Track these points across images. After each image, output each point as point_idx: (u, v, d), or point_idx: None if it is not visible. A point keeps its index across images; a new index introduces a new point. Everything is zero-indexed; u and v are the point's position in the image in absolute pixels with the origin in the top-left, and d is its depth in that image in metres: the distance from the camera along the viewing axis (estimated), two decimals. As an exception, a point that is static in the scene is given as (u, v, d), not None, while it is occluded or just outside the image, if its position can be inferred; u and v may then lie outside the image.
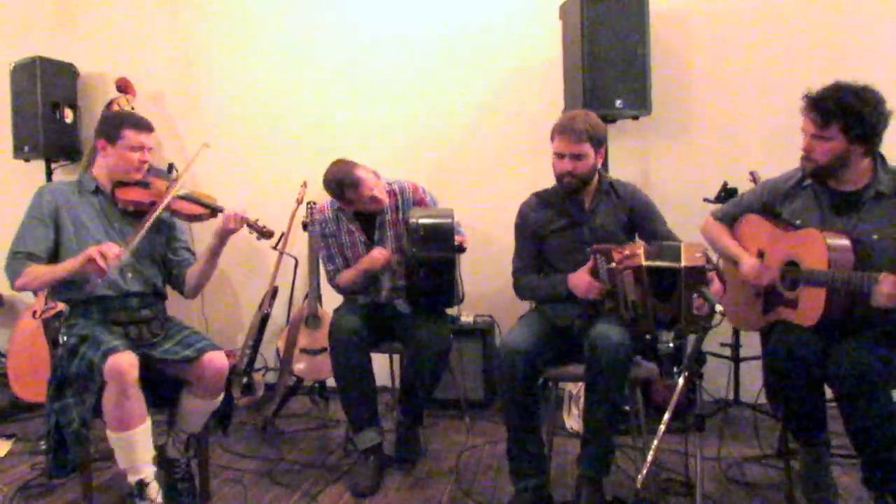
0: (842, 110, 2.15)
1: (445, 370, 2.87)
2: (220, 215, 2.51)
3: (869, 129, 2.16)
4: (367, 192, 2.83)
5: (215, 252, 2.53)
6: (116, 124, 2.48)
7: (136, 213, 2.48)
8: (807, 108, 2.23)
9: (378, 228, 2.97)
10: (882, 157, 2.27)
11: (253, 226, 2.52)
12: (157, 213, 2.42)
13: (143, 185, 2.51)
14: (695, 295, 2.10)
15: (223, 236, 2.50)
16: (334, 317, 2.86)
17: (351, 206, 2.92)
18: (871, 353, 2.06)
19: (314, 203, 3.64)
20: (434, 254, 2.69)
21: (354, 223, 2.99)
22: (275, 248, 3.67)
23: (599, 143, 2.51)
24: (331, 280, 3.07)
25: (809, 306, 2.21)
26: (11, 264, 2.36)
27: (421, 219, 2.73)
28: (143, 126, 2.50)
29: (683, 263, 2.13)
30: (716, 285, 2.22)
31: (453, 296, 2.85)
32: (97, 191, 2.51)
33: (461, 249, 2.79)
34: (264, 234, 2.56)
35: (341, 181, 2.82)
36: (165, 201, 2.44)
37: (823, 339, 2.17)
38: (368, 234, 2.99)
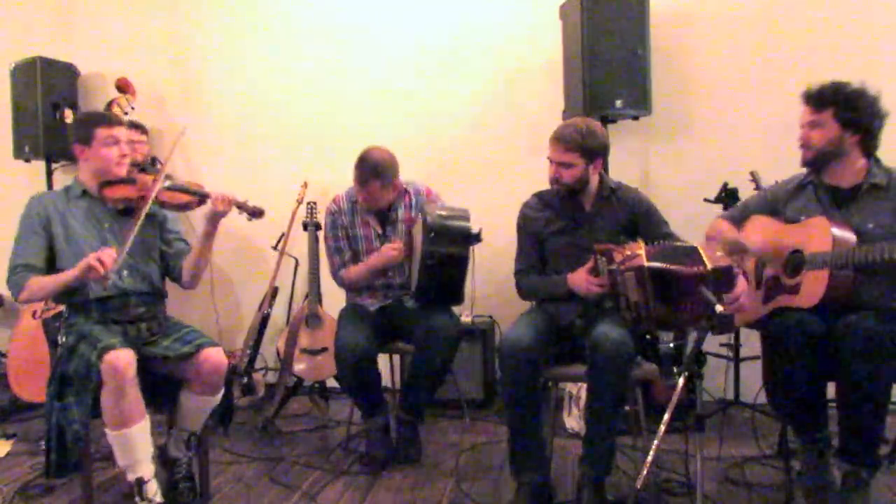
0: (834, 95, 2.30)
1: (452, 362, 2.88)
2: (208, 201, 2.50)
3: (860, 116, 2.28)
4: (358, 190, 2.89)
5: (208, 237, 2.53)
6: (86, 125, 2.49)
7: (126, 211, 2.48)
8: (805, 96, 2.38)
9: (390, 223, 3.01)
10: (877, 159, 2.37)
11: (242, 206, 2.51)
12: (146, 208, 2.40)
13: (130, 181, 2.50)
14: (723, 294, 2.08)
15: (214, 221, 2.51)
16: (339, 334, 2.84)
17: (357, 191, 2.94)
18: (881, 324, 2.11)
19: (315, 203, 3.66)
20: (449, 250, 2.70)
21: (370, 215, 3.00)
22: (275, 248, 3.67)
23: (593, 153, 2.50)
24: (335, 273, 3.07)
25: (811, 288, 2.24)
26: (13, 279, 2.37)
27: (438, 215, 2.75)
28: (112, 121, 2.51)
29: (710, 265, 2.09)
30: (742, 284, 2.21)
31: (461, 294, 2.86)
32: (84, 195, 2.51)
33: (478, 238, 2.79)
34: (255, 213, 2.55)
35: (364, 167, 2.86)
36: (153, 194, 2.43)
37: (825, 325, 2.19)
38: (383, 227, 3.01)
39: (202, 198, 2.52)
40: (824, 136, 2.33)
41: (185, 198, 2.52)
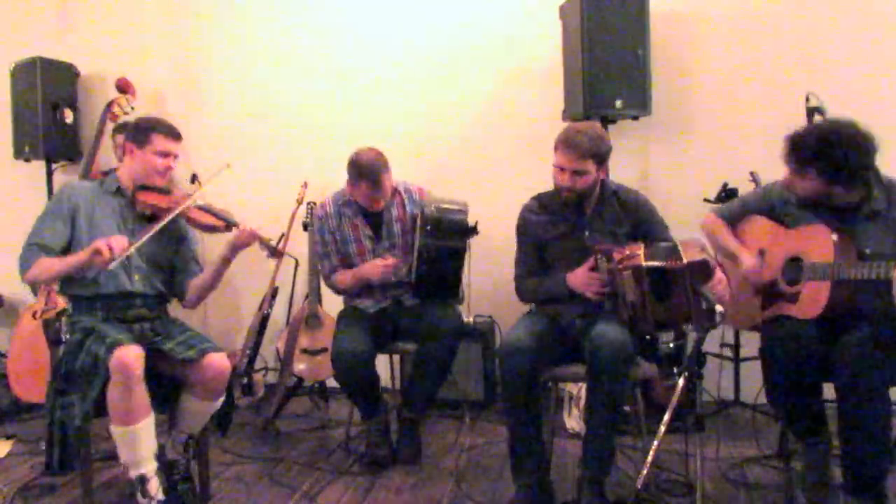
0: (816, 156, 2.19)
1: (456, 355, 2.88)
2: (234, 229, 2.54)
3: (846, 172, 2.18)
4: (372, 196, 2.86)
5: (223, 264, 2.56)
6: (146, 129, 2.52)
7: (152, 218, 2.50)
8: (786, 148, 2.27)
9: (385, 224, 2.99)
10: (876, 172, 2.28)
11: (265, 243, 2.55)
12: (171, 216, 2.45)
13: (165, 191, 2.54)
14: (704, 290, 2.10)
15: (234, 250, 2.54)
16: (337, 338, 2.85)
17: (354, 195, 2.92)
18: (875, 347, 2.08)
19: (314, 203, 3.65)
20: (446, 243, 2.71)
21: (359, 217, 2.99)
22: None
23: (602, 159, 2.47)
24: (326, 279, 3.09)
25: (811, 300, 2.23)
26: (25, 255, 2.38)
27: (436, 207, 2.75)
28: (172, 134, 2.54)
29: (686, 260, 2.13)
30: (718, 275, 2.21)
31: (459, 289, 2.86)
32: (118, 192, 2.54)
33: (475, 231, 2.79)
34: (275, 252, 2.59)
35: (370, 170, 2.81)
36: (181, 208, 2.48)
37: (823, 334, 2.18)
38: (374, 229, 2.99)
39: (229, 225, 2.57)
40: (810, 188, 2.26)
41: (213, 220, 2.58)
